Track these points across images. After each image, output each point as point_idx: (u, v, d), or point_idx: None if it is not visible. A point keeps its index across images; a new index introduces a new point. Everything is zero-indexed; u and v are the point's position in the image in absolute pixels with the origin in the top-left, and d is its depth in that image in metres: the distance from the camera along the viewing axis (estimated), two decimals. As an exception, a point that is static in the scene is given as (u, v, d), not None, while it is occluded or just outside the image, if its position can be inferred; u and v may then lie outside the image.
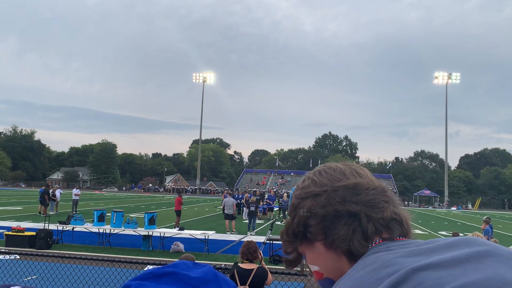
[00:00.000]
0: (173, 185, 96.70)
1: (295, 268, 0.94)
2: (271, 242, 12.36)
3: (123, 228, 13.78)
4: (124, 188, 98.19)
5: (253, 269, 5.43)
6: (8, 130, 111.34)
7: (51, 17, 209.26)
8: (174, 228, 15.97)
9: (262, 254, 5.78)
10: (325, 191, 0.84)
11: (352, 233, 0.79)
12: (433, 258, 0.64)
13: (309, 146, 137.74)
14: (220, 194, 64.68)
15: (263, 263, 5.68)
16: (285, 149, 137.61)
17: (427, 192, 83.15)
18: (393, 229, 0.80)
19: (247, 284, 5.29)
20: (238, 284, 5.31)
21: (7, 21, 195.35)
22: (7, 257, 9.73)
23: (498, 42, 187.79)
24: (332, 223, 0.81)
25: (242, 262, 5.56)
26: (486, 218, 14.65)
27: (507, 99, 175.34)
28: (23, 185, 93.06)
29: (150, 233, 13.72)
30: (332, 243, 0.81)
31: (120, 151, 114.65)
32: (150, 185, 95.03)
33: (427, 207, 70.16)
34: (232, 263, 5.98)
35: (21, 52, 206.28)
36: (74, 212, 23.33)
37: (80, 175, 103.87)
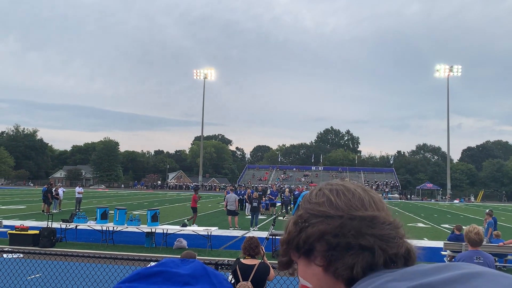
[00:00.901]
0: (176, 182, 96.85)
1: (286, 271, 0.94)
2: (273, 237, 12.37)
3: (126, 225, 13.84)
4: (122, 185, 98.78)
5: (255, 264, 5.43)
6: (11, 130, 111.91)
7: (51, 16, 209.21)
8: (191, 224, 16.91)
9: (264, 250, 5.79)
10: (340, 216, 0.82)
11: (358, 264, 0.78)
12: (425, 280, 0.67)
13: (311, 141, 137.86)
14: (224, 190, 64.74)
15: (265, 258, 5.69)
16: (287, 145, 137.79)
17: (430, 185, 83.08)
18: (399, 263, 0.80)
19: (249, 279, 5.29)
20: (241, 279, 5.32)
21: (8, 20, 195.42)
22: (11, 255, 9.78)
23: (500, 34, 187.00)
24: (340, 253, 0.80)
25: (244, 258, 5.56)
26: (489, 210, 14.53)
27: (509, 91, 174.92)
28: (31, 184, 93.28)
29: (153, 230, 13.77)
30: (334, 271, 0.80)
31: (122, 148, 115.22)
32: (159, 182, 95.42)
33: (429, 200, 70.12)
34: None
35: (22, 51, 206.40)
36: (77, 210, 23.41)
37: (83, 173, 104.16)
